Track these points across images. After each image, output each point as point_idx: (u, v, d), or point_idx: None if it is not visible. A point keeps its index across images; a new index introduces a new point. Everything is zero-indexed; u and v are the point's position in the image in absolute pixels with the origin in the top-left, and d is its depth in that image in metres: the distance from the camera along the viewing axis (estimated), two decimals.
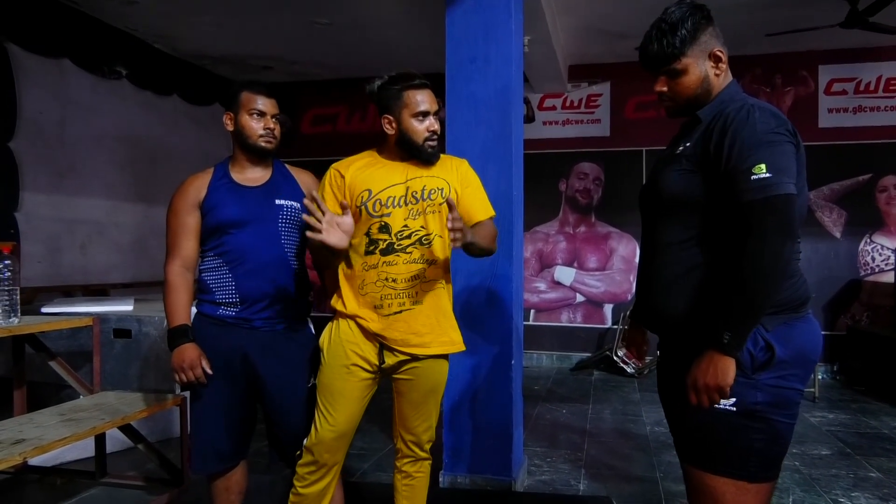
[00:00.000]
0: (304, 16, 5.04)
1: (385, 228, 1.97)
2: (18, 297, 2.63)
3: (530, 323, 6.40)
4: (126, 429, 2.96)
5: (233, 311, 2.05)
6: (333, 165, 2.07)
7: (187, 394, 2.17)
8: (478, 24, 3.05)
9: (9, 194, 4.38)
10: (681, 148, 1.58)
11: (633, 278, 6.11)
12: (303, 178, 2.24)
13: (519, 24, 3.23)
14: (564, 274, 6.40)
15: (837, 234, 5.87)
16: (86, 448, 3.27)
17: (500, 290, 3.05)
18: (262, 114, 2.09)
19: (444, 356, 2.10)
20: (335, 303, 2.05)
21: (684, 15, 1.54)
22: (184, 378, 1.98)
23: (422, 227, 1.99)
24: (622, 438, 4.00)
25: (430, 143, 2.00)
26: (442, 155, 2.11)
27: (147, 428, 3.46)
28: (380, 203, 1.98)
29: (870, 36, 5.00)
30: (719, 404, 1.44)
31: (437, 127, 2.00)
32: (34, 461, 3.08)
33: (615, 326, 6.22)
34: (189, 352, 1.99)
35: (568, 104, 6.42)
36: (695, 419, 1.52)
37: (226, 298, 2.05)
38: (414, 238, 1.98)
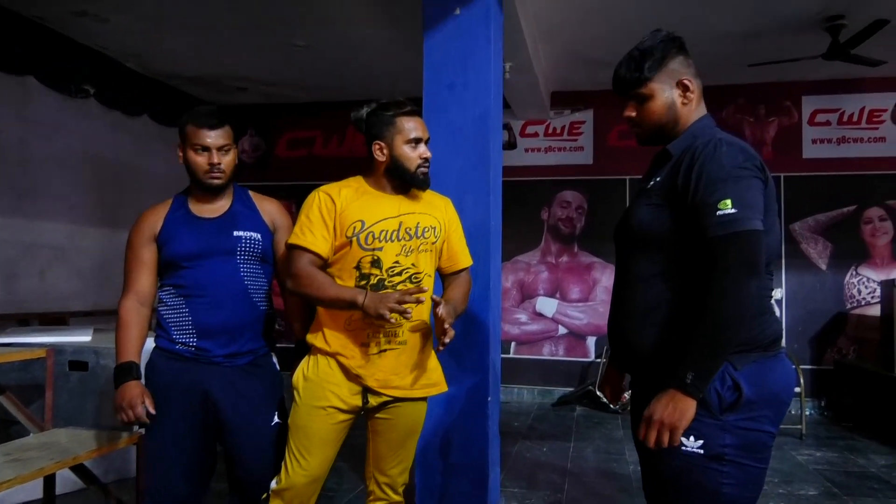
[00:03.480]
0: (282, 37, 4.96)
1: (377, 263, 1.93)
2: None
3: (511, 356, 6.27)
4: (78, 469, 2.80)
5: (191, 348, 1.98)
6: (322, 189, 2.00)
7: (143, 431, 2.09)
8: (456, 51, 3.02)
9: None
10: (652, 182, 1.58)
11: None
12: (266, 206, 2.18)
13: (498, 52, 3.19)
14: (546, 305, 6.29)
15: (823, 266, 5.83)
16: (34, 489, 3.08)
17: (477, 323, 2.96)
18: (206, 149, 2.00)
19: (425, 398, 2.08)
20: (314, 339, 1.99)
21: (655, 44, 1.58)
22: (124, 417, 1.90)
23: (413, 264, 1.96)
24: (604, 478, 3.90)
25: (423, 169, 1.98)
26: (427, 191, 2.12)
27: (101, 467, 3.30)
28: (372, 236, 1.94)
29: (852, 67, 5.01)
30: (667, 445, 1.40)
31: (429, 154, 1.99)
32: None
33: (598, 360, 6.11)
34: (130, 390, 1.92)
35: (550, 131, 6.36)
36: (663, 461, 1.48)
37: (182, 337, 1.99)
38: (404, 276, 1.95)
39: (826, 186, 5.82)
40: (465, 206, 2.94)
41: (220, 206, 2.09)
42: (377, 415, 2.01)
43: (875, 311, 5.53)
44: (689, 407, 1.37)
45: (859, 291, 5.76)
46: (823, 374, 5.73)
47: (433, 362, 2.07)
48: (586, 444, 4.66)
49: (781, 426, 4.79)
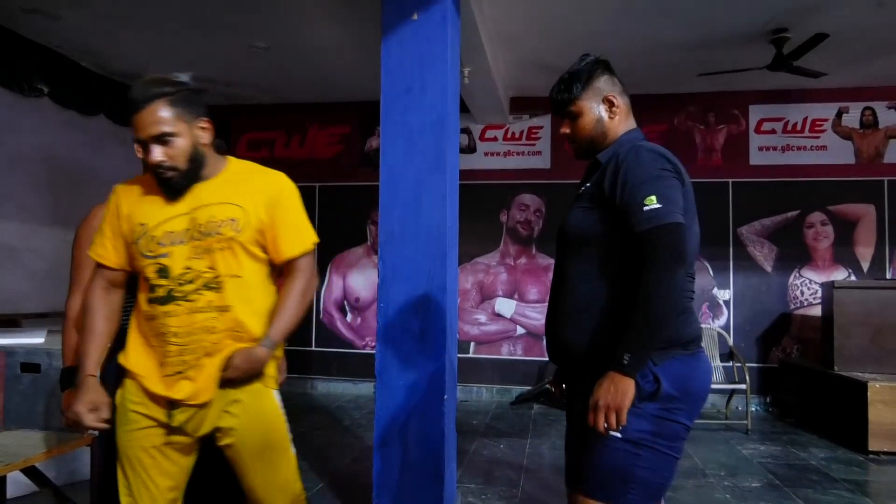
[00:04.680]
0: (242, 38, 4.94)
1: (163, 272, 1.66)
2: None
3: (470, 356, 6.32)
4: (29, 471, 2.74)
5: None
6: (117, 187, 1.76)
7: (97, 433, 2.04)
8: (413, 55, 3.03)
9: None
10: (583, 188, 1.73)
11: None
12: None
13: (455, 56, 3.22)
14: (505, 306, 6.36)
15: (768, 269, 6.03)
16: None
17: (433, 323, 2.98)
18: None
19: (258, 390, 1.76)
20: (120, 356, 1.75)
21: (582, 67, 1.75)
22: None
23: (209, 268, 1.67)
24: (559, 474, 3.94)
25: (159, 173, 1.64)
26: (249, 167, 1.82)
27: (53, 470, 3.23)
28: (154, 241, 1.67)
29: (796, 79, 5.22)
30: (615, 429, 1.48)
31: (159, 158, 1.62)
32: None
33: None
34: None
35: (509, 136, 6.45)
36: (584, 445, 1.58)
37: None
38: (198, 282, 1.66)
39: (771, 192, 6.02)
40: (422, 207, 2.99)
41: None
42: (222, 442, 1.75)
43: (817, 311, 5.73)
44: (628, 387, 1.46)
45: (802, 293, 5.98)
46: (769, 372, 5.93)
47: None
48: (543, 441, 4.73)
49: (728, 421, 4.94)
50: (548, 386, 5.94)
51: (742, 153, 6.09)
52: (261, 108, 6.76)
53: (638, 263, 1.49)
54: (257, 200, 1.73)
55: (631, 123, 1.77)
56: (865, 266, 5.90)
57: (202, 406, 1.69)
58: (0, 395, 2.94)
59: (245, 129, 6.81)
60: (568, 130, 1.78)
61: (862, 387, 4.40)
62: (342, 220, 6.60)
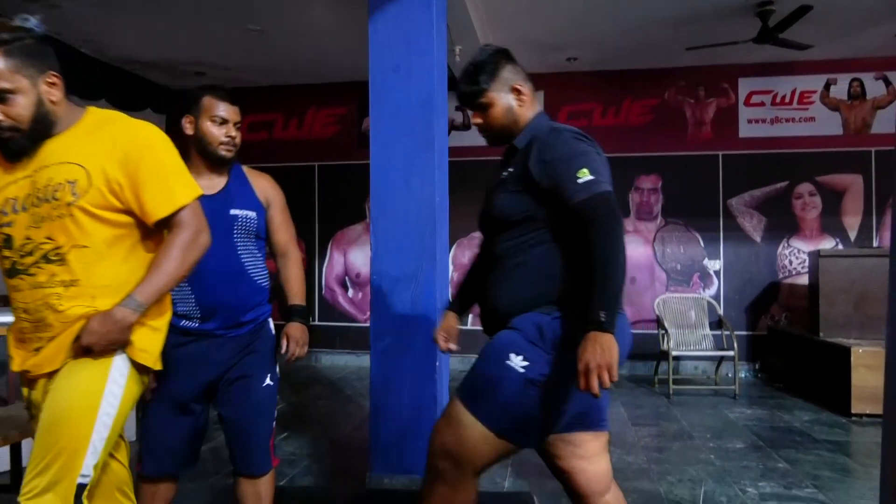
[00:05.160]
0: (237, 22, 5.02)
1: (8, 243, 1.50)
2: None
3: (468, 327, 6.44)
4: None
5: (195, 323, 2.00)
6: None
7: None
8: (399, 35, 3.10)
9: None
10: (504, 174, 1.79)
11: None
12: (260, 182, 2.19)
13: (441, 37, 3.29)
14: None
15: (757, 239, 6.14)
16: (1, 461, 3.14)
17: (424, 294, 3.11)
18: (224, 121, 2.06)
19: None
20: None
21: (486, 58, 1.79)
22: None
23: (47, 238, 1.48)
24: None
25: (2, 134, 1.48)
26: (105, 117, 1.59)
27: None
28: None
29: (784, 52, 5.27)
30: (608, 386, 1.46)
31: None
32: None
33: None
34: None
35: None
36: (486, 367, 1.66)
37: (187, 311, 1.98)
38: (37, 255, 1.48)
39: (760, 164, 6.10)
40: (411, 184, 3.09)
41: (217, 184, 2.06)
42: None
43: (804, 280, 5.85)
44: (611, 342, 1.45)
45: (790, 262, 6.08)
46: (758, 339, 6.06)
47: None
48: None
49: (717, 387, 5.02)
50: None
51: (732, 126, 6.16)
52: (259, 91, 6.85)
53: (580, 229, 1.56)
54: (106, 157, 1.49)
55: (537, 108, 1.84)
56: (853, 235, 6.00)
57: (49, 378, 1.53)
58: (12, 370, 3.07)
59: (244, 112, 6.62)
60: (480, 121, 1.82)
61: (846, 352, 4.50)
62: (341, 198, 6.73)
